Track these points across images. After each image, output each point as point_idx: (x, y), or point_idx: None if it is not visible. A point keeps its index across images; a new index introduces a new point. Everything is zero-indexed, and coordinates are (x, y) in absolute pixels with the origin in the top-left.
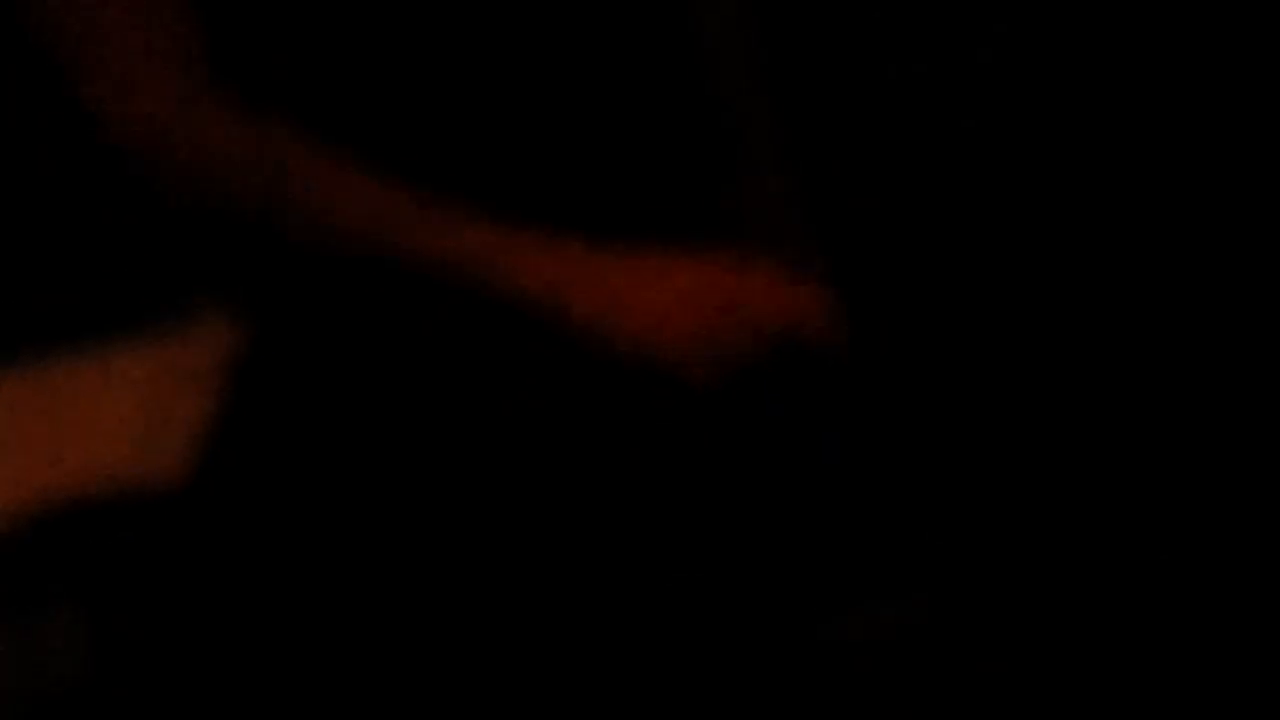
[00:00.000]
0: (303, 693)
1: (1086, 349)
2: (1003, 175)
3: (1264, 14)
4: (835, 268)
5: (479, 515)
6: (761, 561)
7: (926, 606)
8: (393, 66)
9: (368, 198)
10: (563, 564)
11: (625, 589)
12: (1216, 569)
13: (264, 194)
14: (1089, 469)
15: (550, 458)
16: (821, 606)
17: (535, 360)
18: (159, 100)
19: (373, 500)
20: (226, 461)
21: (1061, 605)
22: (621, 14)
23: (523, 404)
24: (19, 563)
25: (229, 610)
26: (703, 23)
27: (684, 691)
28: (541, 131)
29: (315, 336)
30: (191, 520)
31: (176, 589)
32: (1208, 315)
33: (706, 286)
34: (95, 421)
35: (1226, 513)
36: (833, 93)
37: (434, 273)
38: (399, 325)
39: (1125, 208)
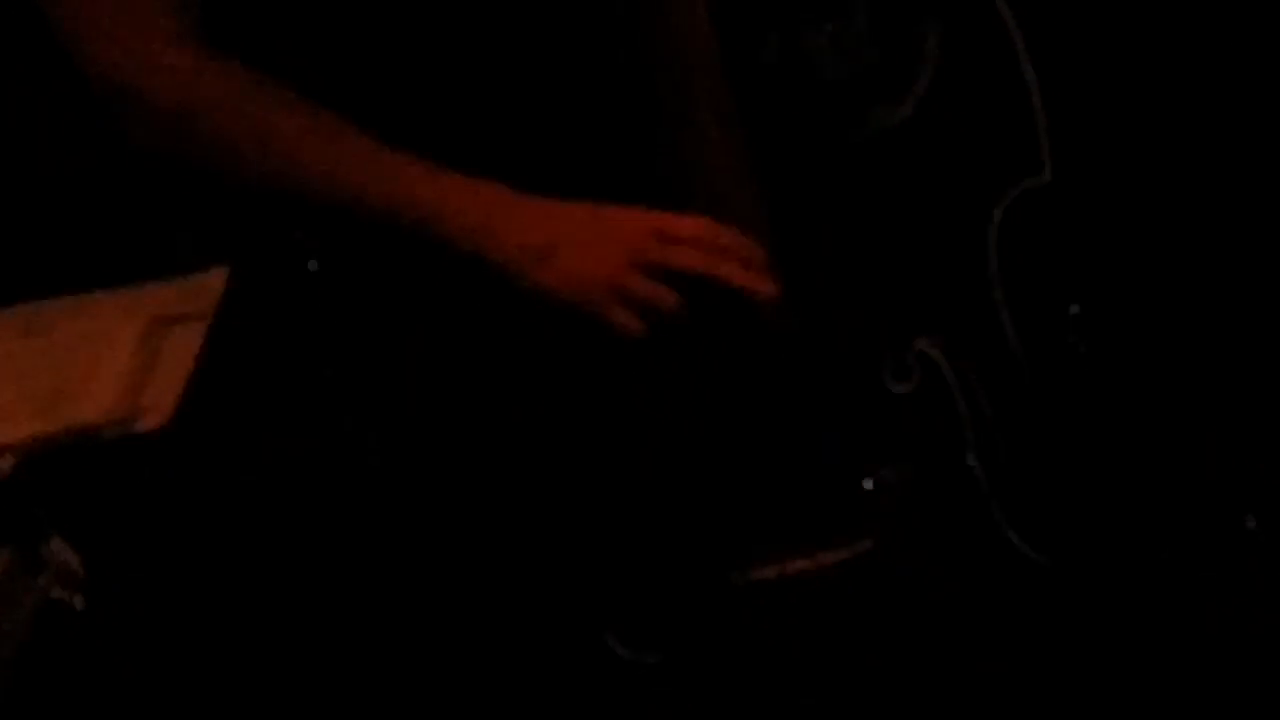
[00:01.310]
0: (285, 627)
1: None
2: (949, 149)
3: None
4: (778, 231)
5: (449, 457)
6: (698, 500)
7: (853, 553)
8: (353, 34)
9: (326, 147)
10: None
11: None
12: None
13: (225, 138)
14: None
15: (516, 393)
16: (757, 548)
17: (503, 314)
18: (136, 40)
19: (352, 442)
20: (213, 403)
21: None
22: None
23: (492, 350)
24: (13, 500)
25: (214, 547)
26: None
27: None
28: (483, 93)
29: (300, 281)
30: (179, 459)
31: (164, 526)
32: (1196, 305)
33: (625, 230)
34: (88, 365)
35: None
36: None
37: (377, 218)
38: (381, 269)
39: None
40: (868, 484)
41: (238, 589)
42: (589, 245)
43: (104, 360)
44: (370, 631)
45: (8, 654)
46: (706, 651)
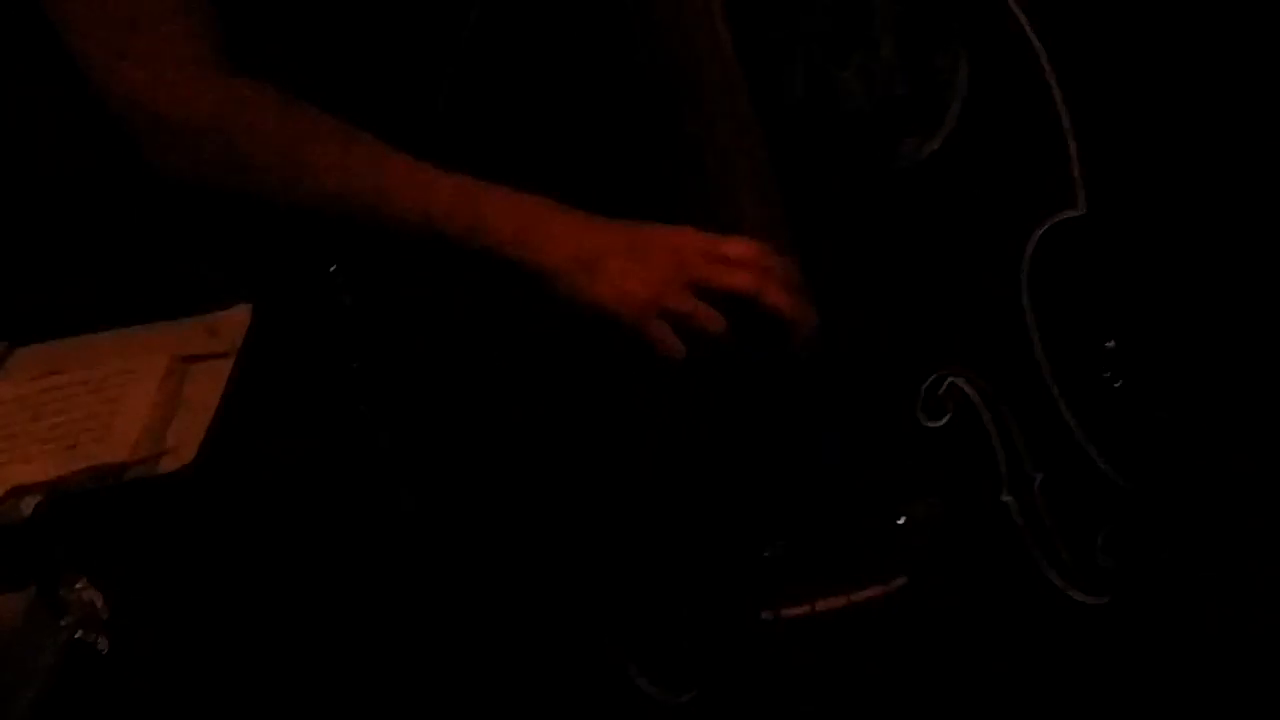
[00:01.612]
0: (306, 674)
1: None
2: (981, 181)
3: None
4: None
5: (477, 499)
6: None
7: (886, 590)
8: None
9: (349, 153)
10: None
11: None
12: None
13: (256, 158)
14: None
15: (545, 428)
16: (789, 585)
17: (534, 341)
18: (159, 63)
19: (381, 485)
20: (238, 443)
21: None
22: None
23: (521, 388)
24: (36, 540)
25: (239, 589)
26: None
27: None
28: (511, 122)
29: (326, 318)
30: (203, 500)
31: (189, 567)
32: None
33: (668, 251)
34: (112, 404)
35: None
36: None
37: (415, 232)
38: (406, 315)
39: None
40: (901, 520)
41: (262, 630)
42: (637, 258)
43: (128, 399)
44: (396, 679)
45: (31, 696)
46: (737, 690)
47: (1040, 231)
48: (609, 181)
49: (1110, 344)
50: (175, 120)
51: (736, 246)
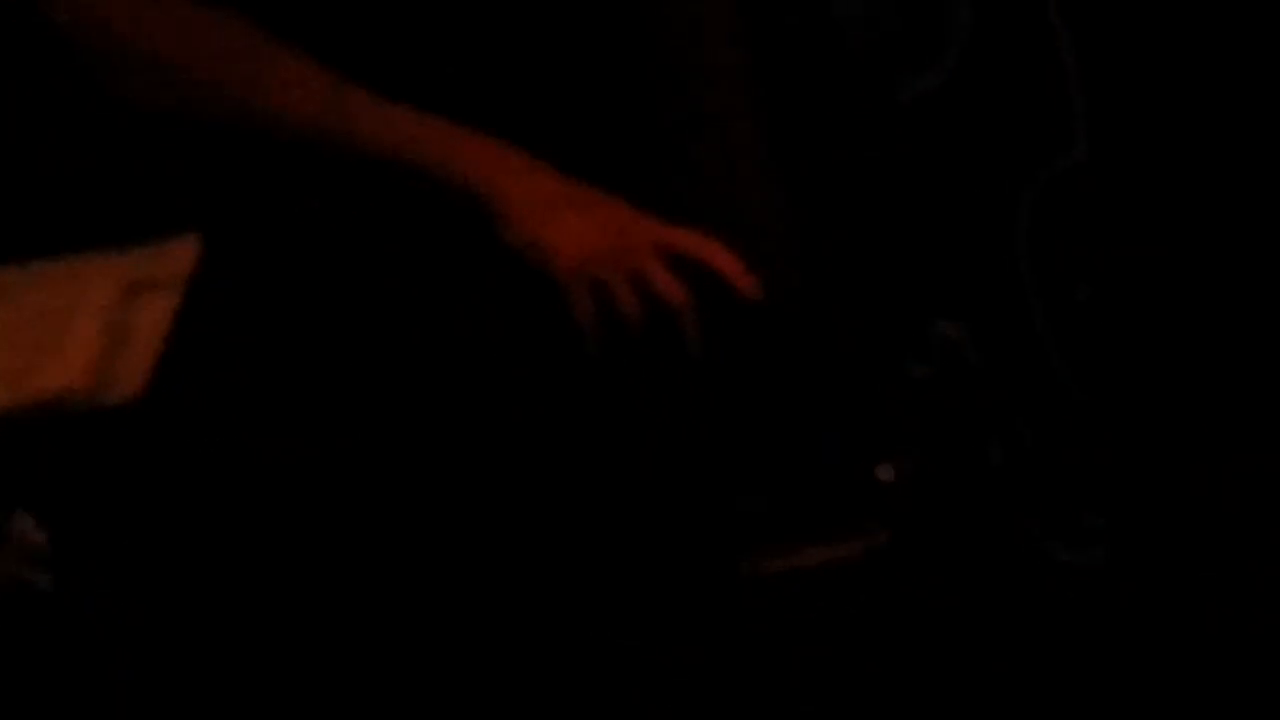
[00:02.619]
0: (260, 608)
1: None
2: (979, 124)
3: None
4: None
5: (420, 432)
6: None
7: (868, 545)
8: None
9: (317, 82)
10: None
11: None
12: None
13: (214, 75)
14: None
15: (491, 377)
16: (758, 543)
17: (483, 290)
18: None
19: (323, 416)
20: (183, 376)
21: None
22: None
23: (470, 331)
24: None
25: (186, 524)
26: None
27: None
28: (481, 70)
29: (272, 252)
30: (150, 433)
31: (134, 502)
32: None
33: (622, 226)
34: (57, 335)
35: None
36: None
37: (376, 155)
38: (352, 242)
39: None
40: (885, 474)
41: (209, 567)
42: (593, 222)
43: (73, 330)
44: (341, 622)
45: None
46: (713, 643)
47: (1039, 177)
48: (594, 146)
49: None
50: (132, 45)
51: (691, 242)
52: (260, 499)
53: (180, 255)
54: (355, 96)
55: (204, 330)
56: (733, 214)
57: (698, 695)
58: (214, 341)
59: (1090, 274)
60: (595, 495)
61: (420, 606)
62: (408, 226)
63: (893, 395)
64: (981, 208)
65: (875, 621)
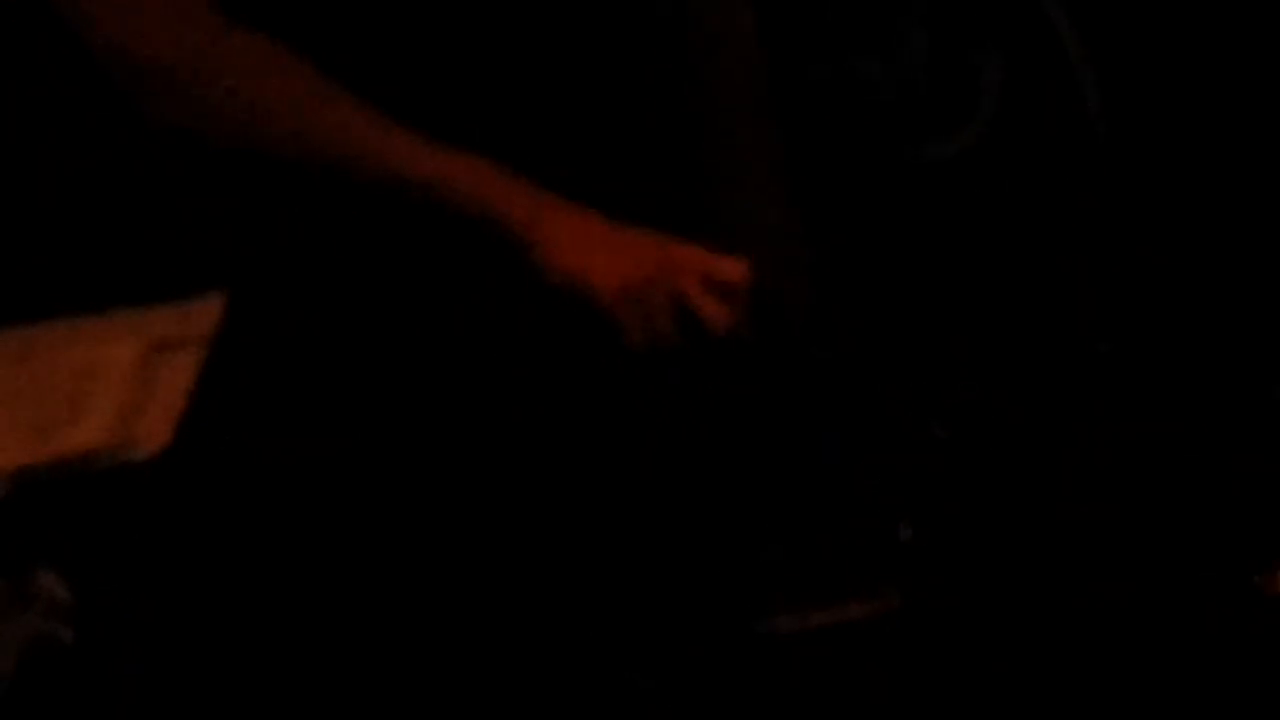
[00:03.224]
0: (280, 662)
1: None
2: (1010, 183)
3: None
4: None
5: (454, 492)
6: (721, 548)
7: (896, 602)
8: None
9: (354, 116)
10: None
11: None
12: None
13: (253, 107)
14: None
15: (524, 420)
16: (783, 600)
17: (513, 332)
18: (156, 16)
19: (350, 476)
20: (206, 433)
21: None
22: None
23: (500, 383)
24: (3, 529)
25: (207, 580)
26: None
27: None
28: (515, 111)
29: (299, 307)
30: (173, 489)
31: (157, 558)
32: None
33: (660, 253)
34: (82, 392)
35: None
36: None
37: (411, 192)
38: (379, 301)
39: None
40: (905, 534)
41: (230, 622)
42: (630, 250)
43: (98, 387)
44: (369, 669)
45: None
46: (726, 703)
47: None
48: (612, 163)
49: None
50: (165, 66)
51: (727, 268)
52: (280, 555)
53: (204, 314)
54: (393, 132)
55: (227, 387)
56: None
57: None
58: (237, 398)
59: (1111, 331)
60: (620, 535)
61: (447, 671)
62: (429, 278)
63: (915, 455)
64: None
65: (885, 684)
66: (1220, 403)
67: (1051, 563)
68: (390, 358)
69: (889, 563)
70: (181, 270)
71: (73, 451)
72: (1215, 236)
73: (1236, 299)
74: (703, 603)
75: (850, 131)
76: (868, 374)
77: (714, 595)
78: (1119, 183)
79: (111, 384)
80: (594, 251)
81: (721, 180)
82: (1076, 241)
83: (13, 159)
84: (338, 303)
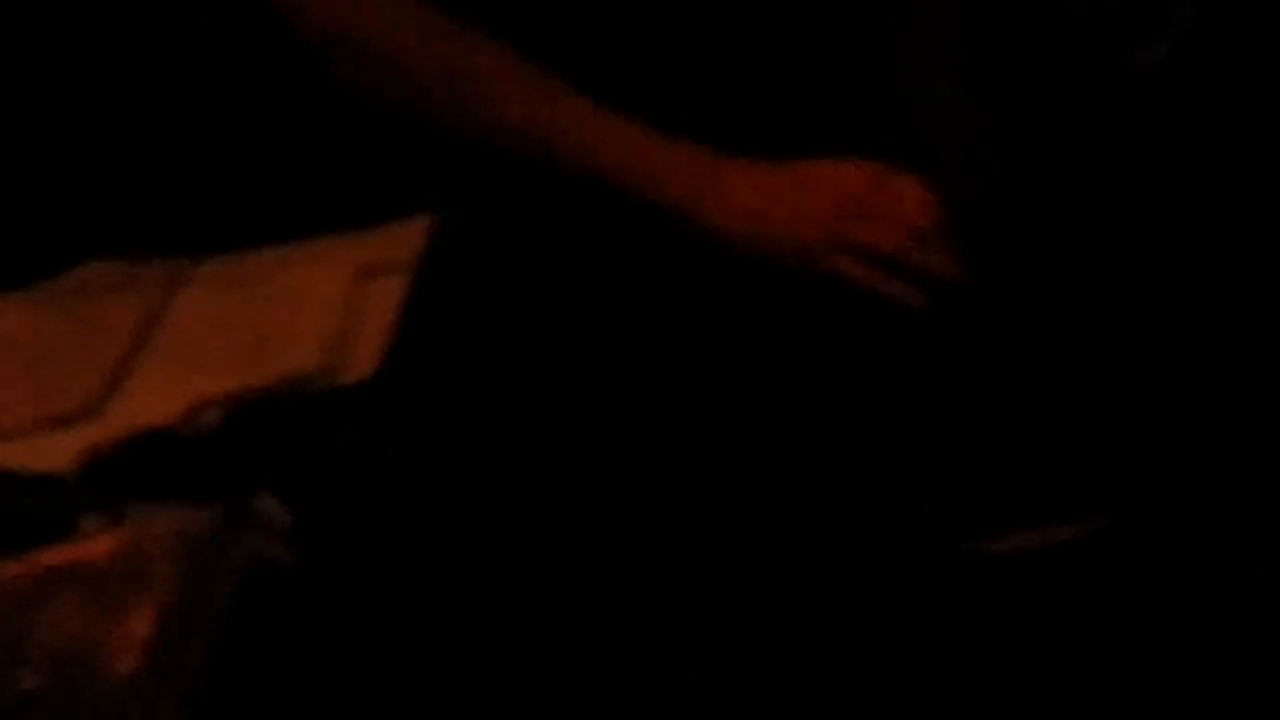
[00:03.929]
0: (484, 587)
1: None
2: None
3: None
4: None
5: (651, 430)
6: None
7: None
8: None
9: (530, 94)
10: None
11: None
12: None
13: (430, 78)
14: None
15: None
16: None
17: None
18: None
19: (552, 403)
20: (412, 359)
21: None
22: None
23: (702, 331)
24: (222, 454)
25: (416, 505)
26: None
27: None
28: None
29: (506, 234)
30: (379, 415)
31: (365, 481)
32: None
33: (829, 191)
34: (293, 317)
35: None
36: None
37: (578, 174)
38: (587, 230)
39: None
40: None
41: (439, 545)
42: (801, 204)
43: (307, 314)
44: (567, 599)
45: (218, 611)
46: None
47: None
48: (795, 79)
49: None
50: (363, 42)
51: (899, 191)
52: (480, 482)
53: (411, 239)
54: (566, 105)
55: (434, 312)
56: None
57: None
58: (444, 324)
59: None
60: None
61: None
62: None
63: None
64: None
65: (1091, 608)
66: None
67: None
68: (596, 298)
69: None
70: (389, 195)
71: (284, 376)
72: None
73: None
74: (911, 524)
75: (1046, 45)
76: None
77: (923, 515)
78: None
79: (320, 310)
80: (768, 215)
81: (913, 94)
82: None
83: (227, 83)
84: (546, 233)
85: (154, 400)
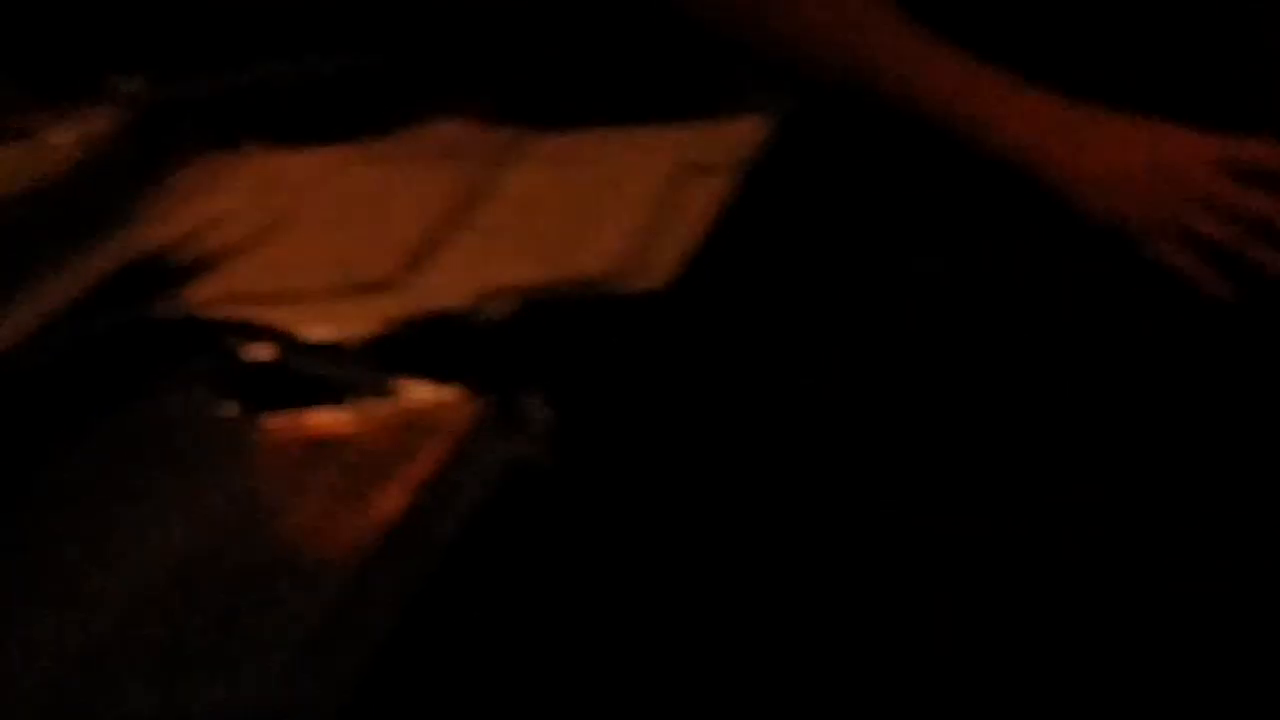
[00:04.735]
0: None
1: None
2: None
3: None
4: None
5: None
6: None
7: None
8: None
9: (858, 23)
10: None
11: None
12: None
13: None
14: None
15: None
16: None
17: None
18: None
19: (858, 355)
20: (717, 271)
21: None
22: None
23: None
24: (501, 343)
25: (683, 421)
26: None
27: None
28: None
29: (846, 146)
30: (667, 327)
31: (636, 398)
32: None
33: (1187, 156)
34: (602, 209)
35: None
36: None
37: (912, 112)
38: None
39: None
40: None
41: (702, 464)
42: (1161, 173)
43: (619, 204)
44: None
45: (472, 503)
46: None
47: None
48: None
49: None
50: None
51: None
52: (759, 421)
53: (741, 137)
54: (900, 45)
55: (750, 225)
56: None
57: None
58: (755, 240)
59: None
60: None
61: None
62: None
63: None
64: None
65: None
66: None
67: None
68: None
69: None
70: (731, 88)
71: (579, 274)
72: None
73: None
74: None
75: None
76: None
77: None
78: None
79: (632, 202)
80: (1123, 192)
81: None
82: None
83: None
84: (879, 155)
85: (450, 281)
